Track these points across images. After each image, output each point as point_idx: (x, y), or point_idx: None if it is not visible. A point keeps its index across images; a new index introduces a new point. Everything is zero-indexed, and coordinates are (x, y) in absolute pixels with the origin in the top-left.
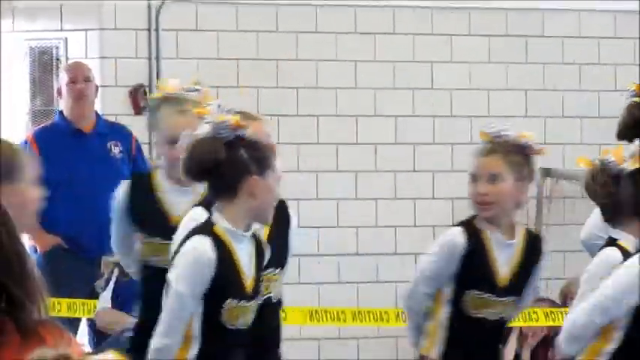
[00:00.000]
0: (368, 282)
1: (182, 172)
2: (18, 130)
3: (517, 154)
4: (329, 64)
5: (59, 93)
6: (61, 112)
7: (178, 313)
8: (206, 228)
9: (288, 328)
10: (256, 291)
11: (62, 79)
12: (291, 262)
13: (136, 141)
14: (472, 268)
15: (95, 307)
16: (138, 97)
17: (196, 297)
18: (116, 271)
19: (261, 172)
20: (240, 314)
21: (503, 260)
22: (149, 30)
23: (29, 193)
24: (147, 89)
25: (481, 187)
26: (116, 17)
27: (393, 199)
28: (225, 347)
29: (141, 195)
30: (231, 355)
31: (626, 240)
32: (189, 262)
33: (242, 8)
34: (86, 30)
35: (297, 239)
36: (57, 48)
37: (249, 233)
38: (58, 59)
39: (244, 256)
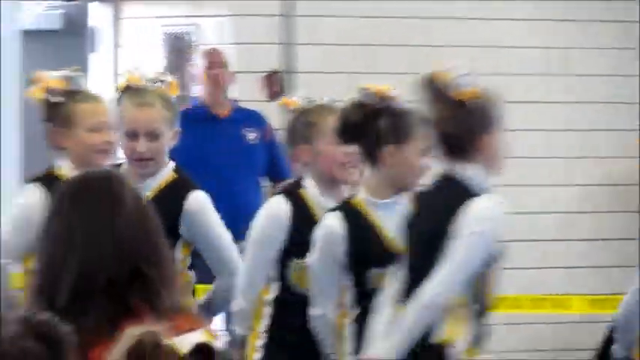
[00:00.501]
0: None
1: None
2: None
3: None
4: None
5: (195, 79)
6: (196, 98)
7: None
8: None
9: None
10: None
11: (199, 64)
12: None
13: (271, 127)
14: None
15: None
16: (272, 83)
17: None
18: None
19: (398, 142)
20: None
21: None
22: (283, 16)
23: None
24: (281, 75)
25: None
26: (250, 3)
27: None
28: None
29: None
30: None
31: None
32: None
33: None
34: (219, 16)
35: None
36: (191, 34)
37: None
38: (192, 45)
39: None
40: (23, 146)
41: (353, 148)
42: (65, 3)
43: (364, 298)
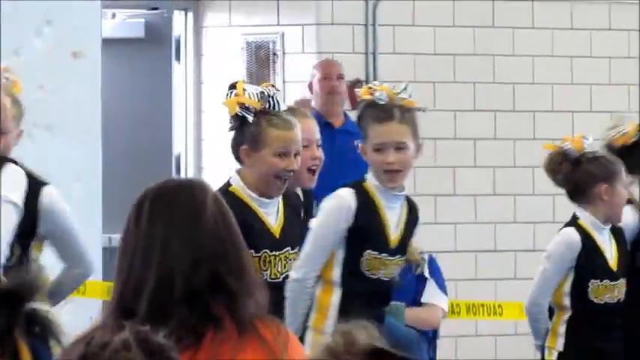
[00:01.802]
0: (506, 278)
1: None
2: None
3: None
4: (545, 59)
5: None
6: (314, 111)
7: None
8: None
9: None
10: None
11: (315, 75)
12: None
13: None
14: None
15: None
16: (355, 92)
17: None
18: None
19: None
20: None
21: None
22: (366, 25)
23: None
24: (364, 84)
25: None
26: (333, 12)
27: (531, 195)
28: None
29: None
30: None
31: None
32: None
33: (458, 3)
34: (303, 25)
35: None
36: (273, 43)
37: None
38: (274, 54)
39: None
40: (101, 154)
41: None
42: (147, 12)
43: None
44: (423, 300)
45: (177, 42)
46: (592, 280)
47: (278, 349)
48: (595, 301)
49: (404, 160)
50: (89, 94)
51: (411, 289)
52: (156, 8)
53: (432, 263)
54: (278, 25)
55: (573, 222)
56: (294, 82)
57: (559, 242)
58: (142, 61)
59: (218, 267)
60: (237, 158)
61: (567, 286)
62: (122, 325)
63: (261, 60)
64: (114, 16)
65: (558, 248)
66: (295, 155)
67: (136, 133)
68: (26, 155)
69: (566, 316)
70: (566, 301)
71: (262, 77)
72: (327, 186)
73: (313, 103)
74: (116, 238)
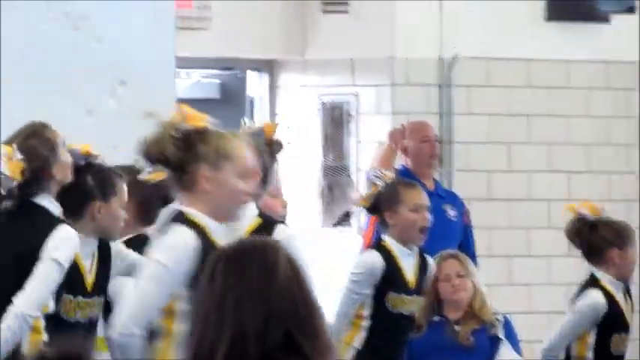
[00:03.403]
0: (539, 284)
1: None
2: (310, 185)
3: None
4: (620, 120)
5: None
6: (405, 169)
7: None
8: None
9: None
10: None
11: (410, 136)
12: None
13: (468, 211)
14: None
15: None
16: None
17: None
18: None
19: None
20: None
21: None
22: (440, 85)
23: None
24: (439, 144)
25: None
26: (408, 72)
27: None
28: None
29: None
30: None
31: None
32: None
33: (533, 64)
34: (378, 85)
35: None
36: (348, 103)
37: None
38: (349, 114)
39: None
40: None
41: None
42: (222, 72)
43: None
44: None
45: (252, 102)
46: (614, 334)
47: None
48: (614, 352)
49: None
50: None
51: (485, 350)
52: (231, 68)
53: (507, 324)
54: (353, 85)
55: (595, 284)
56: (369, 142)
57: (587, 305)
58: (217, 121)
59: (291, 328)
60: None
61: (591, 340)
62: None
63: (336, 120)
64: (189, 76)
65: (586, 310)
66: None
67: None
68: None
69: None
70: (590, 354)
71: (337, 138)
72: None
73: (403, 164)
74: None
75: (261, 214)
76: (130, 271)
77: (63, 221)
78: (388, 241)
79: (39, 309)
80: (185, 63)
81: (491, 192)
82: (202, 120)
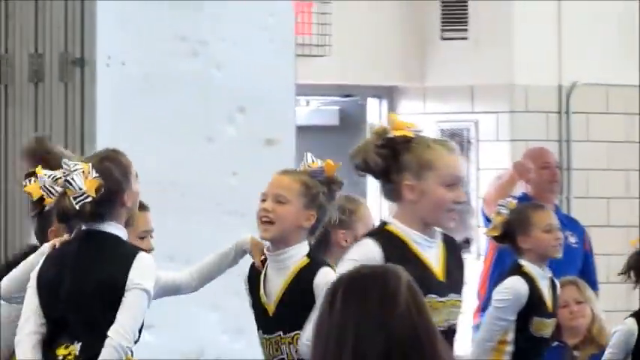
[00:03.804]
0: None
1: None
2: None
3: None
4: None
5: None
6: (525, 196)
7: None
8: None
9: None
10: None
11: (529, 162)
12: None
13: (589, 237)
14: None
15: None
16: None
17: None
18: None
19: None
20: None
21: None
22: (560, 112)
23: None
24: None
25: None
26: (527, 99)
27: None
28: None
29: None
30: None
31: None
32: None
33: None
34: (497, 112)
35: None
36: (468, 130)
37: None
38: (469, 141)
39: None
40: None
41: None
42: (341, 99)
43: None
44: None
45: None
46: None
47: None
48: None
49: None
50: None
51: None
52: (350, 95)
53: None
54: (472, 112)
55: None
56: (488, 170)
57: None
58: (336, 148)
59: (411, 354)
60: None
61: None
62: None
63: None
64: (308, 103)
65: None
66: None
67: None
68: (218, 241)
69: None
70: None
71: None
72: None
73: (523, 191)
74: None
75: (310, 254)
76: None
77: (140, 249)
78: (527, 265)
79: (133, 339)
80: (304, 90)
81: (609, 219)
82: (410, 129)
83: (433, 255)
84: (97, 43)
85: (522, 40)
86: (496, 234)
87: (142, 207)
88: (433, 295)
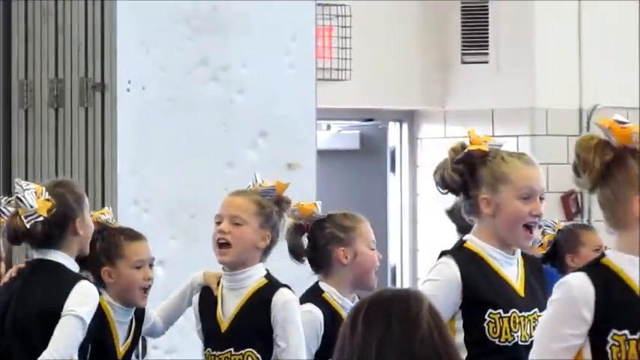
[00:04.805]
0: None
1: None
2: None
3: None
4: None
5: None
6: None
7: None
8: None
9: None
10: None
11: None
12: None
13: None
14: None
15: None
16: (569, 203)
17: None
18: None
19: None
20: None
21: None
22: (579, 136)
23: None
24: (578, 195)
25: None
26: (547, 122)
27: None
28: None
29: None
30: None
31: None
32: None
33: None
34: (518, 135)
35: None
36: None
37: None
38: None
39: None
40: None
41: None
42: (362, 123)
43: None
44: None
45: (393, 153)
46: None
47: None
48: None
49: None
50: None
51: None
52: (371, 120)
53: None
54: (492, 135)
55: None
56: None
57: None
58: (357, 172)
59: None
60: None
61: None
62: None
63: None
64: (329, 127)
65: None
66: None
67: None
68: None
69: None
70: None
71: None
72: None
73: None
74: None
75: (267, 276)
76: (149, 333)
77: (83, 278)
78: None
79: (62, 356)
80: (325, 114)
81: None
82: (487, 143)
83: (512, 272)
84: (117, 67)
85: (543, 63)
86: (544, 252)
87: (137, 236)
88: (515, 310)
